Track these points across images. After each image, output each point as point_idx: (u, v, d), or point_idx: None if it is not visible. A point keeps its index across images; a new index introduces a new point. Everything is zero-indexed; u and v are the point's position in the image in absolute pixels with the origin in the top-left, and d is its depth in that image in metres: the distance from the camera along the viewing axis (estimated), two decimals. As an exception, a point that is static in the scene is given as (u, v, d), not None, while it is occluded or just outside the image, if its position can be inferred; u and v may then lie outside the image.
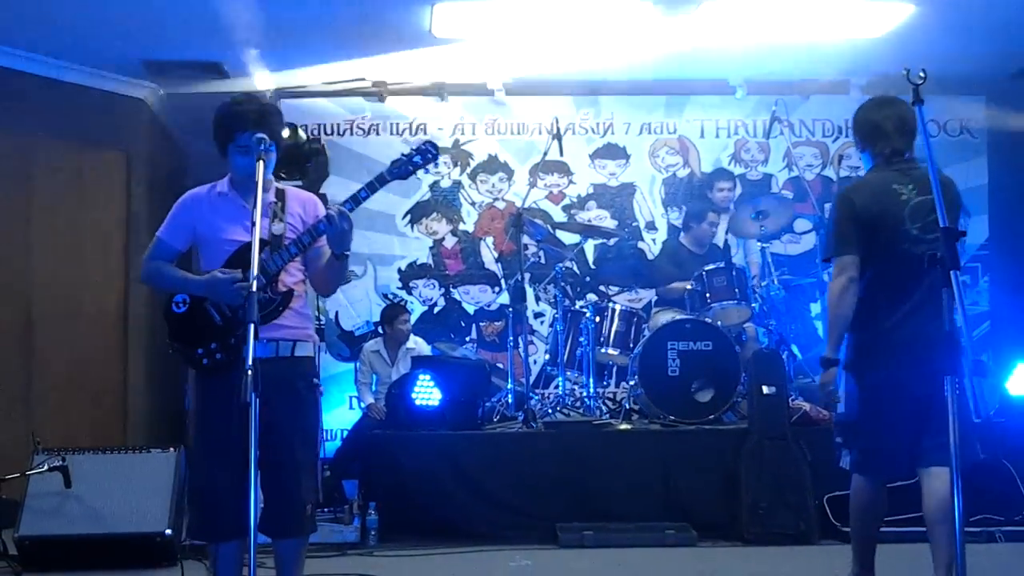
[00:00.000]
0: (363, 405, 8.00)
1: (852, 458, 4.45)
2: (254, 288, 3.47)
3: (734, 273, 7.43)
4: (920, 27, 7.28)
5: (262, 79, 8.30)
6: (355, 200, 3.98)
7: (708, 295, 7.37)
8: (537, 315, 8.89)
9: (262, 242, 3.85)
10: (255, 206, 3.66)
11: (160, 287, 4.20)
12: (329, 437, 8.10)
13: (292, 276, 4.06)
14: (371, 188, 4.02)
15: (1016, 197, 8.86)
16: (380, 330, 8.26)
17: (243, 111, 4.01)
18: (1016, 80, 8.42)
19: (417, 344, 8.16)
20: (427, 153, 4.10)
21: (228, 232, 4.00)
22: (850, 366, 4.32)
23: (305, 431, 4.10)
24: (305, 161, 7.96)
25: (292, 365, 4.03)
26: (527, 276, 8.34)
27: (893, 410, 4.22)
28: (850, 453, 4.45)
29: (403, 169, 4.08)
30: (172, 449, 6.05)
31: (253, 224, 3.61)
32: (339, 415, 8.51)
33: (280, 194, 4.12)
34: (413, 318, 8.52)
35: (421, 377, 6.82)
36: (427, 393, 6.78)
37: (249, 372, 3.27)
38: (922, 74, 3.40)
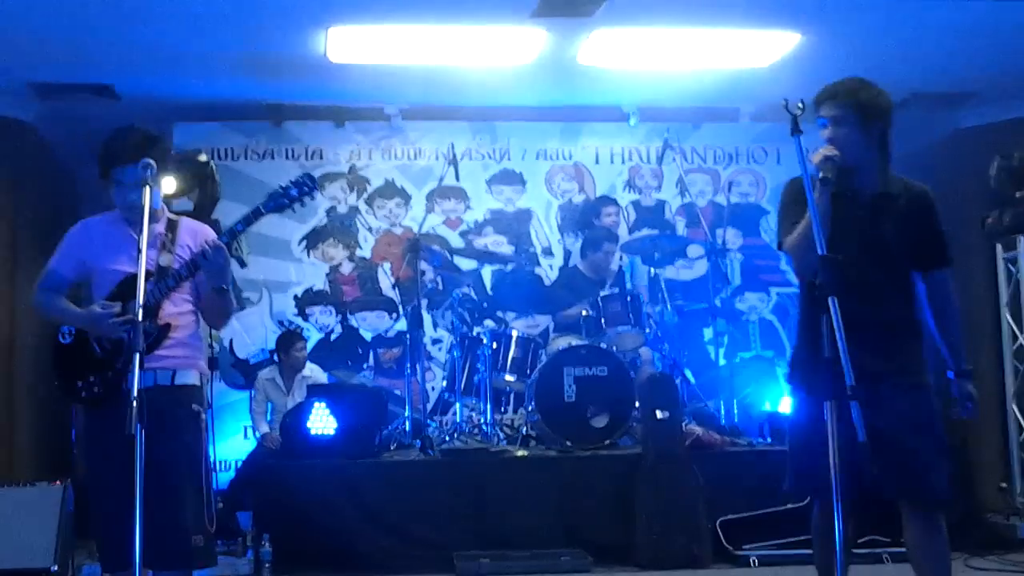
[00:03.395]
0: (257, 435, 7.89)
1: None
2: (140, 318, 3.53)
3: (628, 298, 7.51)
4: (806, 56, 7.46)
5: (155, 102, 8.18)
6: (231, 234, 3.97)
7: (603, 320, 7.44)
8: (435, 341, 8.87)
9: (148, 273, 3.88)
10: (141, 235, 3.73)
11: (47, 317, 4.17)
12: (223, 468, 7.95)
13: (177, 307, 4.03)
14: (247, 221, 4.01)
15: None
16: (275, 358, 8.15)
17: (117, 145, 4.00)
18: (900, 109, 8.65)
19: (313, 372, 8.08)
20: (304, 186, 4.05)
21: (114, 262, 3.99)
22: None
23: (186, 459, 3.99)
24: (191, 186, 7.83)
25: (171, 393, 3.98)
26: (424, 302, 8.34)
27: None
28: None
29: (279, 202, 4.04)
30: (59, 482, 5.91)
31: (139, 252, 3.60)
32: (233, 445, 8.36)
33: (172, 225, 4.11)
34: (309, 345, 8.43)
35: (316, 405, 6.76)
36: (323, 422, 6.72)
37: (135, 403, 3.34)
38: (800, 105, 3.48)
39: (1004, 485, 7.48)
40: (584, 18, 6.82)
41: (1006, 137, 8.16)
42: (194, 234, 4.12)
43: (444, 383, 8.23)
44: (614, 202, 8.91)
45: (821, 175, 3.73)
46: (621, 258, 8.39)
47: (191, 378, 4.07)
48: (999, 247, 7.61)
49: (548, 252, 9.14)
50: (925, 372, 3.91)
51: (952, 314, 3.99)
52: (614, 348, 7.26)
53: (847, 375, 2.96)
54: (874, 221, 3.87)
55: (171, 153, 4.20)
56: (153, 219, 4.04)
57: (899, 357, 3.84)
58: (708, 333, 8.49)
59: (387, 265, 8.98)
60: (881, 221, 3.89)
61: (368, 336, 8.95)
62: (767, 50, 7.46)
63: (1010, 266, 7.56)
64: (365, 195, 9.02)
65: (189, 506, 3.94)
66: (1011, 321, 7.56)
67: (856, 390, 2.94)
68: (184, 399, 4.03)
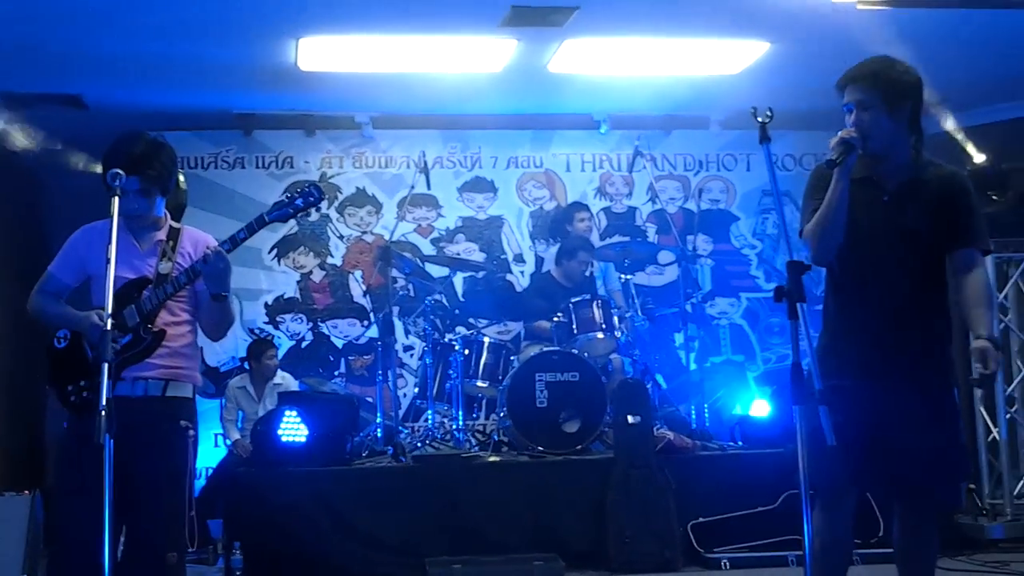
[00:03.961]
0: (228, 442, 7.87)
1: None
2: (108, 326, 3.46)
3: (599, 304, 7.52)
4: (775, 64, 7.52)
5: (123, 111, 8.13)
6: (233, 241, 3.95)
7: (575, 326, 7.45)
8: (406, 348, 8.88)
9: (145, 280, 3.95)
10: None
11: (43, 321, 4.14)
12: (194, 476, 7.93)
13: (174, 316, 4.01)
14: (250, 229, 3.98)
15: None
16: (246, 366, 8.13)
17: (118, 152, 3.96)
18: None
19: (284, 379, 8.06)
20: (309, 196, 4.03)
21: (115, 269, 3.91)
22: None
23: (169, 475, 3.96)
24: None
25: (160, 405, 3.96)
26: (396, 309, 8.34)
27: None
28: None
29: (283, 211, 4.03)
30: (27, 492, 5.86)
31: (108, 262, 3.56)
32: (204, 453, 8.32)
33: (173, 233, 4.09)
34: (280, 353, 8.41)
35: (287, 413, 6.72)
36: (294, 429, 6.69)
37: (103, 413, 3.26)
38: (768, 112, 3.49)
39: (972, 487, 7.53)
40: (555, 27, 6.86)
41: (979, 141, 8.22)
42: (195, 242, 4.10)
43: (416, 390, 8.23)
44: (586, 208, 8.91)
45: (831, 158, 3.54)
46: (592, 264, 8.41)
47: (183, 390, 4.04)
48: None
49: (519, 259, 9.17)
50: (952, 372, 3.76)
51: (972, 292, 3.63)
52: (585, 354, 7.27)
53: (815, 379, 2.99)
54: (901, 209, 3.65)
55: (175, 159, 4.15)
56: (155, 227, 4.07)
57: (923, 353, 3.66)
58: (679, 338, 8.53)
59: (358, 273, 8.97)
60: (909, 209, 3.65)
61: (339, 343, 8.94)
62: (736, 58, 7.52)
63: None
64: (336, 203, 9.01)
65: (166, 523, 3.91)
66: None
67: (824, 394, 2.97)
68: (173, 413, 3.99)
